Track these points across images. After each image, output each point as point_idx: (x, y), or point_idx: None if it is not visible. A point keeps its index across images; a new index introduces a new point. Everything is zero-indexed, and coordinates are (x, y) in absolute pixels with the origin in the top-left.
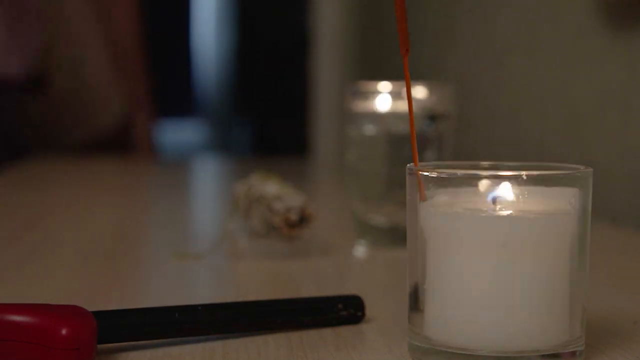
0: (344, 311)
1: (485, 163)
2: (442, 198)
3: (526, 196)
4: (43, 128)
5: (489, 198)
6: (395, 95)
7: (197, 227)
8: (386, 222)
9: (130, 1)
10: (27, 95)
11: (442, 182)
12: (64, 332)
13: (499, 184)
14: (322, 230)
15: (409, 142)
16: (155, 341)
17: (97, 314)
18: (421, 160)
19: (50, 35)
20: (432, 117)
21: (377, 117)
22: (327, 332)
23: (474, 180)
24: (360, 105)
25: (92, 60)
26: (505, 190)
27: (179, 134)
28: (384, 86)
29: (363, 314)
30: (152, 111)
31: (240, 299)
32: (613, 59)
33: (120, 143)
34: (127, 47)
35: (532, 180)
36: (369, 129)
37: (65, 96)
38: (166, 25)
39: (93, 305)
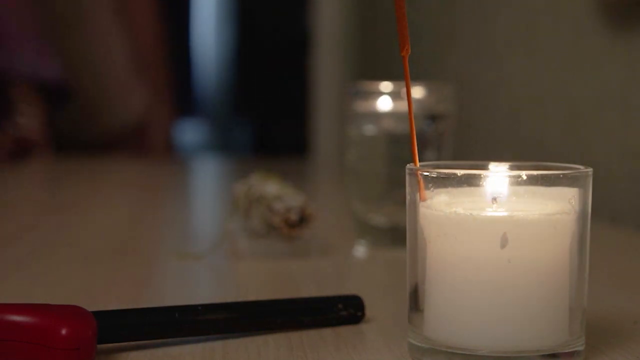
0: (344, 311)
1: (484, 163)
2: (442, 198)
3: (526, 196)
4: (63, 127)
5: (489, 198)
6: (395, 95)
7: (197, 227)
8: (386, 222)
9: None
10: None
11: (442, 182)
12: (64, 332)
13: (499, 184)
14: (322, 230)
15: (409, 142)
16: (155, 341)
17: (97, 314)
18: (421, 160)
19: (72, 37)
20: (432, 117)
21: (377, 117)
22: (327, 332)
23: (474, 180)
24: (360, 105)
25: (112, 59)
26: (505, 190)
27: (179, 133)
28: (384, 86)
29: (363, 314)
30: (171, 109)
31: (240, 299)
32: (613, 59)
33: (139, 141)
34: (148, 43)
35: (532, 180)
36: (369, 129)
37: (85, 95)
38: (166, 25)
39: (93, 305)
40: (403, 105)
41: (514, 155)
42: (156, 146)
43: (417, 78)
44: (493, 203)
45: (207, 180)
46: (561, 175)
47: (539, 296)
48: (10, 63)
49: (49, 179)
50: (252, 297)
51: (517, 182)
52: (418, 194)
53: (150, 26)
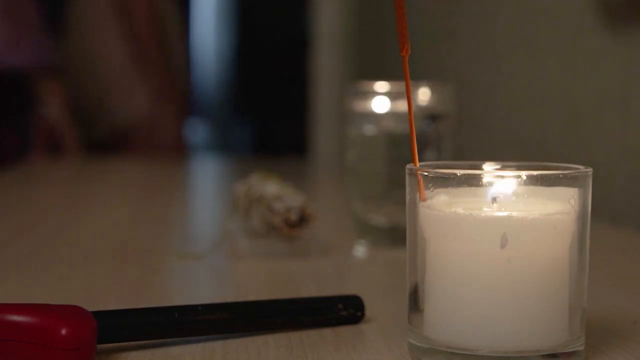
0: (344, 311)
1: (484, 163)
2: (442, 198)
3: (526, 196)
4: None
5: (489, 198)
6: (395, 95)
7: (197, 227)
8: (386, 222)
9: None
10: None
11: (442, 182)
12: (64, 332)
13: (498, 184)
14: (322, 230)
15: (409, 142)
16: (155, 341)
17: (97, 314)
18: (421, 160)
19: (68, 33)
20: (432, 117)
21: (377, 117)
22: (327, 332)
23: (474, 180)
24: (360, 105)
25: (111, 58)
26: (505, 190)
27: (187, 133)
28: (384, 86)
29: (363, 314)
30: (179, 108)
31: (240, 299)
32: (613, 59)
33: (146, 141)
34: (148, 42)
35: (532, 180)
36: (369, 129)
37: (85, 93)
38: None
39: (93, 305)
40: (403, 105)
41: (514, 155)
42: (165, 145)
43: (417, 78)
44: (493, 203)
45: (207, 180)
46: (561, 175)
47: (539, 296)
48: (21, 59)
49: (50, 179)
50: (252, 297)
51: (517, 182)
52: (418, 194)
53: (149, 25)
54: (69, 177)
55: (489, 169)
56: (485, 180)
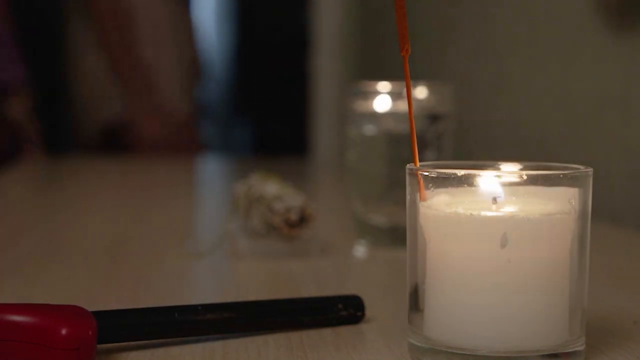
0: (344, 311)
1: (485, 163)
2: (442, 198)
3: (526, 196)
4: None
5: (489, 198)
6: (395, 95)
7: (197, 227)
8: (386, 222)
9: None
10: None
11: (442, 182)
12: (64, 332)
13: (499, 184)
14: (322, 230)
15: (409, 142)
16: (155, 341)
17: (97, 314)
18: (421, 160)
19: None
20: (432, 117)
21: (377, 117)
22: (327, 332)
23: (474, 180)
24: (360, 105)
25: (87, 60)
26: (505, 190)
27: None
28: (384, 86)
29: (363, 314)
30: (189, 107)
31: (240, 299)
32: (613, 59)
33: (132, 140)
34: (118, 49)
35: (532, 180)
36: (369, 129)
37: (73, 94)
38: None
39: (93, 305)
40: (403, 105)
41: (514, 155)
42: (157, 146)
43: (417, 78)
44: (493, 203)
45: (207, 180)
46: (561, 175)
47: (539, 296)
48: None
49: (48, 178)
50: (252, 297)
51: (517, 182)
52: (418, 194)
53: (117, 30)
54: (69, 177)
55: (489, 169)
56: (485, 180)
